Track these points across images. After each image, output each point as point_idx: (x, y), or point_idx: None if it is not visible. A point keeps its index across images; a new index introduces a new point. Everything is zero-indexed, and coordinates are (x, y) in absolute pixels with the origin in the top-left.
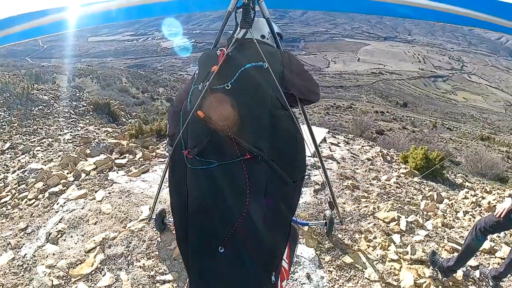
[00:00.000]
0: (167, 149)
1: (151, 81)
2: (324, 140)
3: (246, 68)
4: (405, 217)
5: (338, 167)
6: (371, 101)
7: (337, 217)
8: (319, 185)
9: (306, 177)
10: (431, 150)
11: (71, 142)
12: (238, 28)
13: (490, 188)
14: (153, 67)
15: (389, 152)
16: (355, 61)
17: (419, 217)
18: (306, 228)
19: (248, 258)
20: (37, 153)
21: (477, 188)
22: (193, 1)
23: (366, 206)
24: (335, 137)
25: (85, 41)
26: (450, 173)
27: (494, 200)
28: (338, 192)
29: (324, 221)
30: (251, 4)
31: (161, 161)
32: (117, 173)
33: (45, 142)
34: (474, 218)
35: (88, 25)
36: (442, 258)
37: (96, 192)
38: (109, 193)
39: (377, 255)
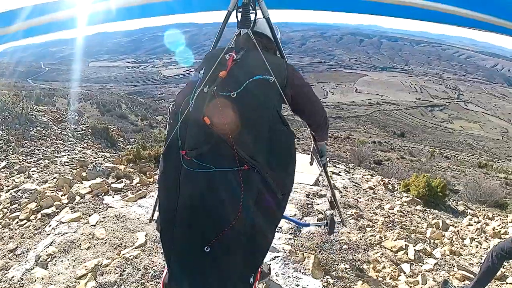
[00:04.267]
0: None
1: (150, 108)
2: None
3: (253, 80)
4: (413, 246)
5: (340, 196)
6: (369, 131)
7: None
8: (322, 214)
9: (309, 206)
10: (431, 178)
11: (67, 165)
12: (240, 30)
13: (492, 214)
14: (152, 94)
15: (390, 181)
16: (352, 91)
17: (427, 245)
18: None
19: (232, 260)
20: (33, 174)
21: (480, 215)
22: (194, 1)
23: (372, 235)
24: (336, 167)
25: (86, 66)
26: (451, 200)
27: (499, 226)
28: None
29: (325, 221)
30: (251, 4)
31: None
32: (113, 197)
33: (41, 163)
34: (481, 244)
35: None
36: (454, 286)
37: (90, 216)
38: (104, 217)
39: (387, 285)
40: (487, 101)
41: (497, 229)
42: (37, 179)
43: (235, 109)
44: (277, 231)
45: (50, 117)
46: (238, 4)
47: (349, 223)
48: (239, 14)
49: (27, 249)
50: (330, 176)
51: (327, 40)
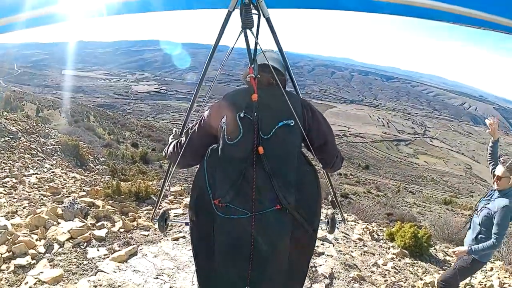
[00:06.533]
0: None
1: (119, 123)
2: None
3: (279, 127)
4: None
5: (336, 252)
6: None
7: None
8: (327, 278)
9: (313, 269)
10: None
11: (36, 188)
12: (256, 48)
13: None
14: (122, 109)
15: (373, 227)
16: None
17: None
18: None
19: None
20: (0, 196)
21: None
22: None
23: None
24: (321, 211)
25: (58, 73)
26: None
27: (483, 278)
28: (347, 285)
29: (326, 220)
30: (252, 4)
31: (144, 235)
32: (98, 250)
33: (8, 182)
34: None
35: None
36: None
37: (75, 276)
38: (95, 286)
39: None
40: (453, 138)
41: (482, 283)
42: (4, 206)
43: (267, 152)
44: None
45: (19, 127)
46: (238, 4)
47: None
48: (240, 14)
49: None
50: (320, 238)
51: (299, 70)
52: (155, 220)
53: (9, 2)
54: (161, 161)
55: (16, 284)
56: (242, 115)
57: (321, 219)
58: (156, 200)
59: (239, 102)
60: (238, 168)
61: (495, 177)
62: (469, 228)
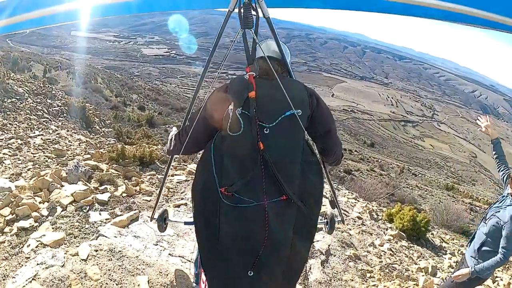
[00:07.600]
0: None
1: (126, 86)
2: None
3: (285, 116)
4: None
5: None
6: (340, 137)
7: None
8: (324, 254)
9: None
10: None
11: (41, 149)
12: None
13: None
14: (130, 72)
15: (373, 207)
16: (329, 96)
17: None
18: None
19: (274, 279)
20: (4, 158)
21: (454, 250)
22: None
23: (374, 286)
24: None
25: (67, 34)
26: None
27: None
28: (342, 263)
29: (326, 220)
30: (252, 4)
31: (146, 200)
32: (100, 214)
33: (13, 143)
34: None
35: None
36: None
37: (77, 240)
38: (96, 250)
39: None
40: (460, 125)
41: None
42: (9, 167)
43: (271, 142)
44: None
45: (26, 88)
46: (238, 4)
47: (349, 266)
48: (241, 14)
49: (4, 275)
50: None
51: (311, 42)
52: (155, 220)
53: (15, 2)
54: (166, 125)
55: (19, 247)
56: (240, 112)
57: (320, 220)
58: (156, 200)
59: (239, 96)
60: (245, 158)
61: (510, 178)
62: (473, 238)
